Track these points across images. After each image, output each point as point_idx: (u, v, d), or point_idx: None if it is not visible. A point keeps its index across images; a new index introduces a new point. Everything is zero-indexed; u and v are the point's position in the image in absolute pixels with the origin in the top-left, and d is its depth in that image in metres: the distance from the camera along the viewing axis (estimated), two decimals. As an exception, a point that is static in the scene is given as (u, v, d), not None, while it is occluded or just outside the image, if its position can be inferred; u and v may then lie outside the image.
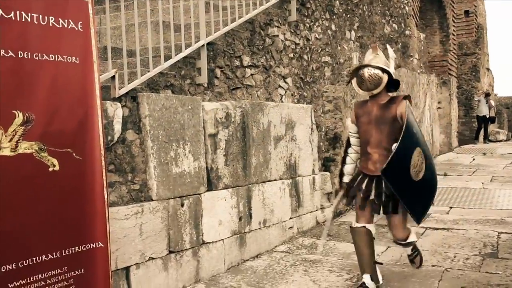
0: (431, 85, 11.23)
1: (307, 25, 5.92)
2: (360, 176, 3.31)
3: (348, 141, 3.48)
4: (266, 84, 5.00)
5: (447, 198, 6.58)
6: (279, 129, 4.55)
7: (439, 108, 11.88)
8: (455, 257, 4.06)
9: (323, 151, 5.57)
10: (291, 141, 4.76)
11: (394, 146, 2.99)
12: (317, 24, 6.16)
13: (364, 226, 3.28)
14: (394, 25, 9.17)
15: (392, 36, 9.01)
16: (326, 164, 5.58)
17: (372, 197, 3.17)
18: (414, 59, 10.28)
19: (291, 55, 5.52)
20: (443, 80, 12.13)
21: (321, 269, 3.86)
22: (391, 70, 3.22)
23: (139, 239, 3.10)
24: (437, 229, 5.01)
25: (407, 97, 3.20)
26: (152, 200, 3.25)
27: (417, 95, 10.04)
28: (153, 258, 3.22)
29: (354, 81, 3.25)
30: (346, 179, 3.43)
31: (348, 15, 7.11)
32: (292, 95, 5.51)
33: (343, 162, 3.50)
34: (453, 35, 13.09)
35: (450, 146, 12.21)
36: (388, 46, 3.47)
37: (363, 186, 3.23)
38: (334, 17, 6.64)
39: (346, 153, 3.49)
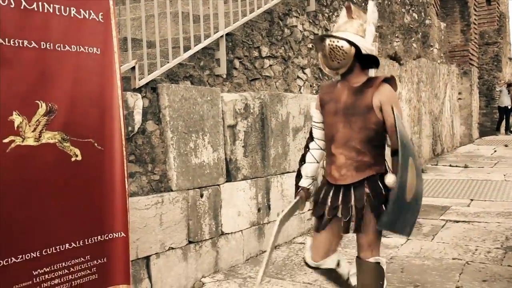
0: (452, 76, 11.04)
1: (326, 15, 5.85)
2: (325, 188, 2.47)
3: (310, 133, 2.63)
4: (284, 75, 4.97)
5: (468, 190, 6.48)
6: (297, 120, 4.53)
7: (459, 99, 11.69)
8: (476, 250, 4.00)
9: (341, 143, 5.51)
10: (310, 132, 4.73)
11: (392, 180, 2.21)
12: (336, 14, 6.07)
13: (319, 267, 2.50)
14: (414, 14, 9.00)
15: (412, 26, 8.85)
16: (344, 156, 5.52)
17: (339, 214, 2.37)
18: (434, 49, 10.11)
19: (310, 45, 5.47)
20: (464, 70, 11.92)
21: (340, 260, 3.84)
22: (364, 41, 2.33)
23: (159, 229, 3.13)
24: (457, 221, 4.94)
25: (389, 80, 2.37)
26: (172, 190, 3.27)
27: (437, 85, 9.88)
28: (173, 248, 3.24)
29: (320, 55, 2.41)
30: (304, 182, 2.57)
31: (367, 5, 7.01)
32: (310, 86, 5.47)
33: (302, 160, 2.62)
34: (474, 24, 12.81)
35: (470, 137, 12.02)
36: (371, 3, 2.46)
37: (329, 201, 2.41)
38: (353, 6, 6.55)
39: (306, 148, 2.61)
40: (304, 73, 5.36)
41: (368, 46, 2.33)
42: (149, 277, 3.08)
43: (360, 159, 2.34)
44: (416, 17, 9.13)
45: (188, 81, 3.72)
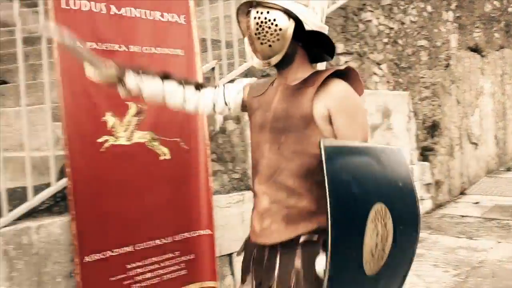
0: (539, 67, 10.25)
1: (401, 7, 5.63)
2: (249, 248, 1.65)
3: (202, 83, 1.73)
4: (360, 71, 4.84)
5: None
6: (375, 118, 4.39)
7: (548, 91, 10.82)
8: None
9: (420, 140, 5.30)
10: (388, 130, 4.57)
11: (320, 266, 1.35)
12: (411, 6, 5.84)
13: None
14: (495, 2, 8.44)
15: (493, 15, 8.31)
16: (424, 154, 5.31)
17: None
18: (519, 39, 9.43)
19: (386, 40, 5.29)
20: (553, 61, 11.02)
21: (424, 263, 3.67)
22: (309, 12, 1.44)
23: (241, 227, 3.15)
24: (554, 224, 4.57)
25: (344, 73, 1.45)
26: (252, 189, 3.28)
27: (523, 78, 9.22)
28: (253, 246, 3.26)
29: (246, 39, 1.50)
30: (129, 75, 1.61)
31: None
32: (387, 82, 5.29)
33: (164, 77, 1.66)
34: None
35: (561, 133, 11.08)
36: None
37: (251, 270, 1.57)
38: (430, -3, 6.26)
39: (183, 82, 1.68)
40: (380, 69, 5.19)
41: (315, 20, 1.46)
42: (232, 274, 3.12)
43: (292, 203, 1.43)
44: (498, 5, 8.56)
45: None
